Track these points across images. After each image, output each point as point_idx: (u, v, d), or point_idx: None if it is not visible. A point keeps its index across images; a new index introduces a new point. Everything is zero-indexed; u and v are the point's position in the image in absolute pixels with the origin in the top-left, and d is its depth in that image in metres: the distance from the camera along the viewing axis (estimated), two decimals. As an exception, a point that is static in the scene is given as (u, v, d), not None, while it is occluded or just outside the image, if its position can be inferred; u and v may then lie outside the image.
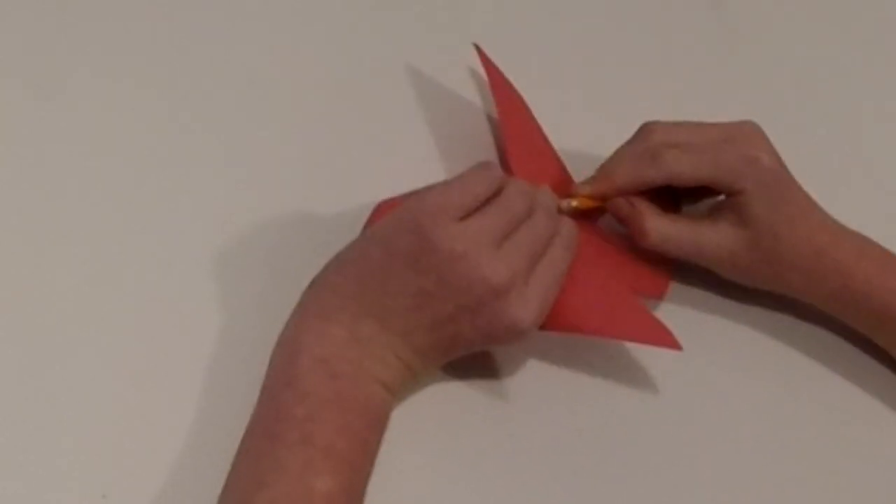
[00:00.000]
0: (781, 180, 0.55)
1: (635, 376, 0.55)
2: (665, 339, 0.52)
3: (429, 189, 0.49)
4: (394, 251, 0.48)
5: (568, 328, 0.51)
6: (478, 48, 0.62)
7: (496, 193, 0.50)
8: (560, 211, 0.54)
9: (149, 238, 0.55)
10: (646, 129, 0.56)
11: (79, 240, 0.54)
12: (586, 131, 0.62)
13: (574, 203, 0.56)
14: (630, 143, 0.56)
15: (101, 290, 0.53)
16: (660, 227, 0.55)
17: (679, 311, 0.58)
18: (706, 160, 0.54)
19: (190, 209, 0.57)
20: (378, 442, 0.48)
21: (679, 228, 0.55)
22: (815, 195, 0.56)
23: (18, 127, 0.58)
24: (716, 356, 0.57)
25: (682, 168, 0.54)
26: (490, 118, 0.65)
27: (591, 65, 0.70)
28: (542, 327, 0.50)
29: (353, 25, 0.68)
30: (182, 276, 0.54)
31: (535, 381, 0.54)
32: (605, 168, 0.56)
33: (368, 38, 0.68)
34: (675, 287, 0.58)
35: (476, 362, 0.52)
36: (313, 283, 0.50)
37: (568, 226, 0.53)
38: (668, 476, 0.52)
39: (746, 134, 0.55)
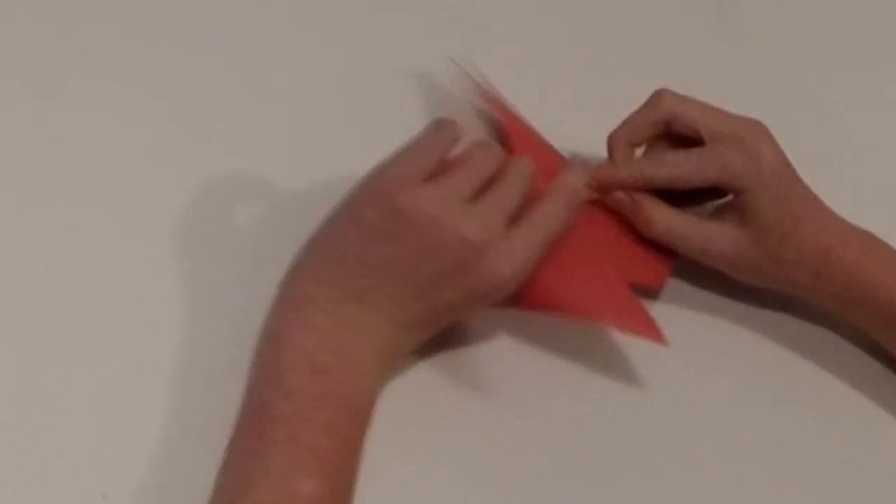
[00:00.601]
0: (786, 179, 0.55)
1: (632, 377, 0.55)
2: (650, 331, 0.51)
3: (388, 159, 0.49)
4: (366, 227, 0.47)
5: (552, 307, 0.50)
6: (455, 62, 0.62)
7: (462, 156, 0.50)
8: None
9: (148, 238, 0.55)
10: (658, 98, 0.56)
11: (78, 240, 0.54)
12: (586, 131, 0.61)
13: None
14: (641, 110, 0.56)
15: (101, 290, 0.53)
16: (665, 217, 0.55)
17: (679, 310, 0.58)
18: (708, 160, 0.54)
19: (189, 210, 0.57)
20: (364, 436, 0.47)
21: (684, 221, 0.55)
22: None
23: (18, 127, 0.58)
24: (716, 356, 0.57)
25: (684, 169, 0.54)
26: (489, 118, 0.65)
27: (591, 65, 0.70)
28: (527, 306, 0.50)
29: (353, 25, 0.68)
30: (183, 277, 0.54)
31: (531, 380, 0.54)
32: (609, 163, 0.57)
33: (368, 38, 0.68)
34: (675, 286, 0.58)
35: (469, 360, 0.52)
36: (290, 273, 0.49)
37: (564, 188, 0.52)
38: (665, 476, 0.52)
39: (751, 132, 0.55)
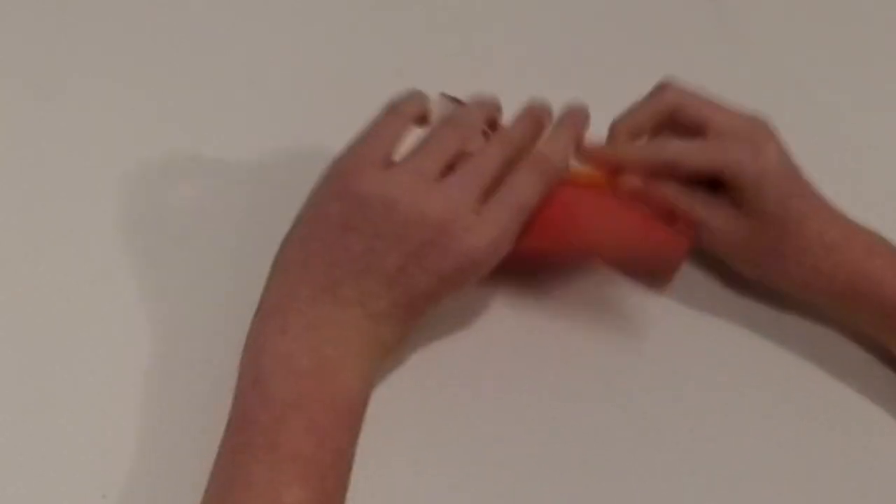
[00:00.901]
0: (791, 176, 0.54)
1: (631, 375, 0.55)
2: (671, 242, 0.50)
3: (343, 150, 0.49)
4: (329, 221, 0.46)
5: (558, 244, 0.49)
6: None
7: (428, 133, 0.49)
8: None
9: (148, 239, 0.55)
10: (662, 89, 0.55)
11: (79, 239, 0.54)
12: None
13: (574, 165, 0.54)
14: (645, 100, 0.56)
15: (102, 289, 0.53)
16: (676, 191, 0.54)
17: (679, 311, 0.57)
18: (713, 148, 0.54)
19: (189, 210, 0.57)
20: (352, 439, 0.45)
21: (693, 199, 0.54)
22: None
23: (18, 127, 0.58)
24: (716, 356, 0.57)
25: (687, 154, 0.54)
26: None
27: (591, 65, 0.70)
28: (528, 252, 0.48)
29: (353, 25, 0.68)
30: (185, 277, 0.54)
31: (529, 377, 0.54)
32: (609, 143, 0.56)
33: (368, 38, 0.68)
34: (675, 286, 0.58)
35: (469, 358, 0.52)
36: (267, 279, 0.48)
37: (540, 157, 0.50)
38: (664, 475, 0.52)
39: (757, 129, 0.54)
